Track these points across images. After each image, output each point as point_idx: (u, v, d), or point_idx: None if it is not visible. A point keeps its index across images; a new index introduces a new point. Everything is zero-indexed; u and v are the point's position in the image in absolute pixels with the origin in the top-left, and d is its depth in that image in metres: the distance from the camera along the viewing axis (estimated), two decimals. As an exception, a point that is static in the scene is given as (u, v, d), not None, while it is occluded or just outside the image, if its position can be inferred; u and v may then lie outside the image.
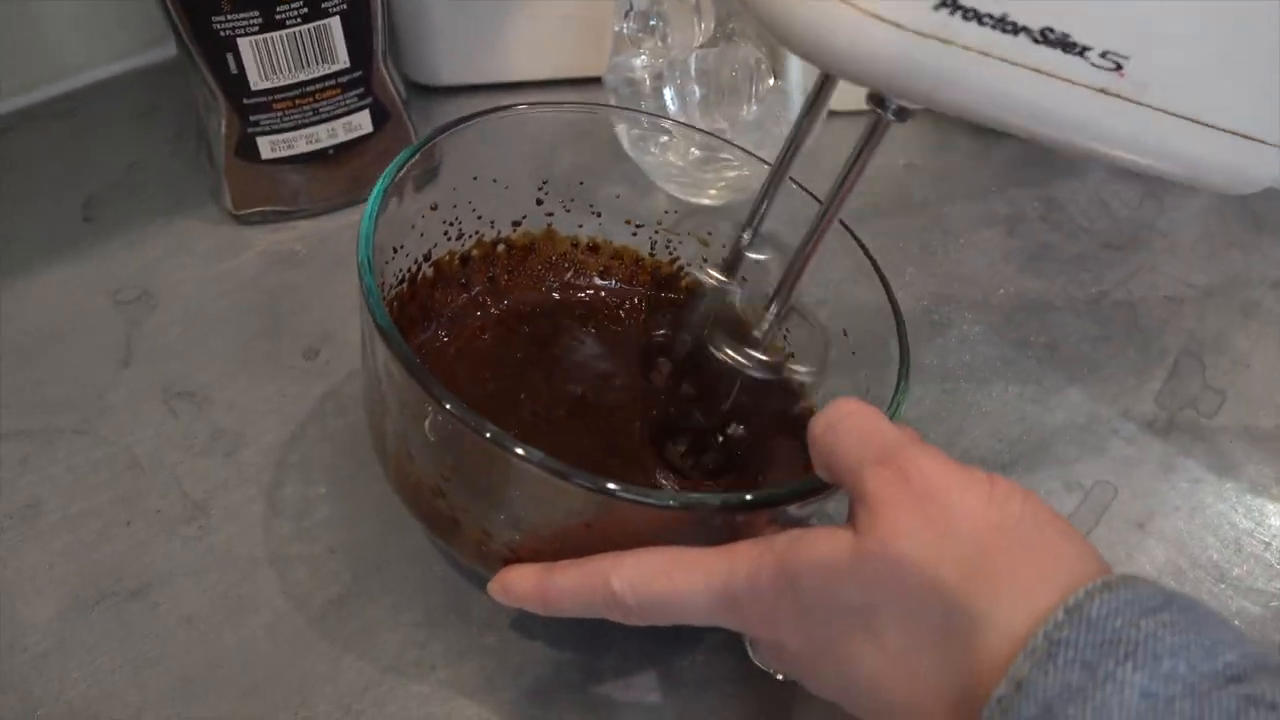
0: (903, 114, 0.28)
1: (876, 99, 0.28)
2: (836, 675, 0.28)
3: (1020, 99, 0.25)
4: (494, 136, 0.40)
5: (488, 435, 0.28)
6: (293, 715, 0.33)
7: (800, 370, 0.36)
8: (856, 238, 0.37)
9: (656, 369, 0.40)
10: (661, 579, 0.29)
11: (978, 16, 0.23)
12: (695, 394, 0.38)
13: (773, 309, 0.33)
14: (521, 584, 0.31)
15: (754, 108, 0.51)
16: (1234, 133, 0.26)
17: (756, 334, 0.34)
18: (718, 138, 0.44)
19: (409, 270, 0.40)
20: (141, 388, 0.44)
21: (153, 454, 0.41)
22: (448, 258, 0.42)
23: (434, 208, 0.40)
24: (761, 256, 0.39)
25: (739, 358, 0.34)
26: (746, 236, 0.36)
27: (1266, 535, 0.39)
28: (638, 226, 0.44)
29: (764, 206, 0.36)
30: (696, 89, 0.50)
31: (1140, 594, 0.23)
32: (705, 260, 0.38)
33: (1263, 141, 0.27)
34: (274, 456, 0.41)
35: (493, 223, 0.42)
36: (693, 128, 0.45)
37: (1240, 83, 0.25)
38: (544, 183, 0.43)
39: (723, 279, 0.37)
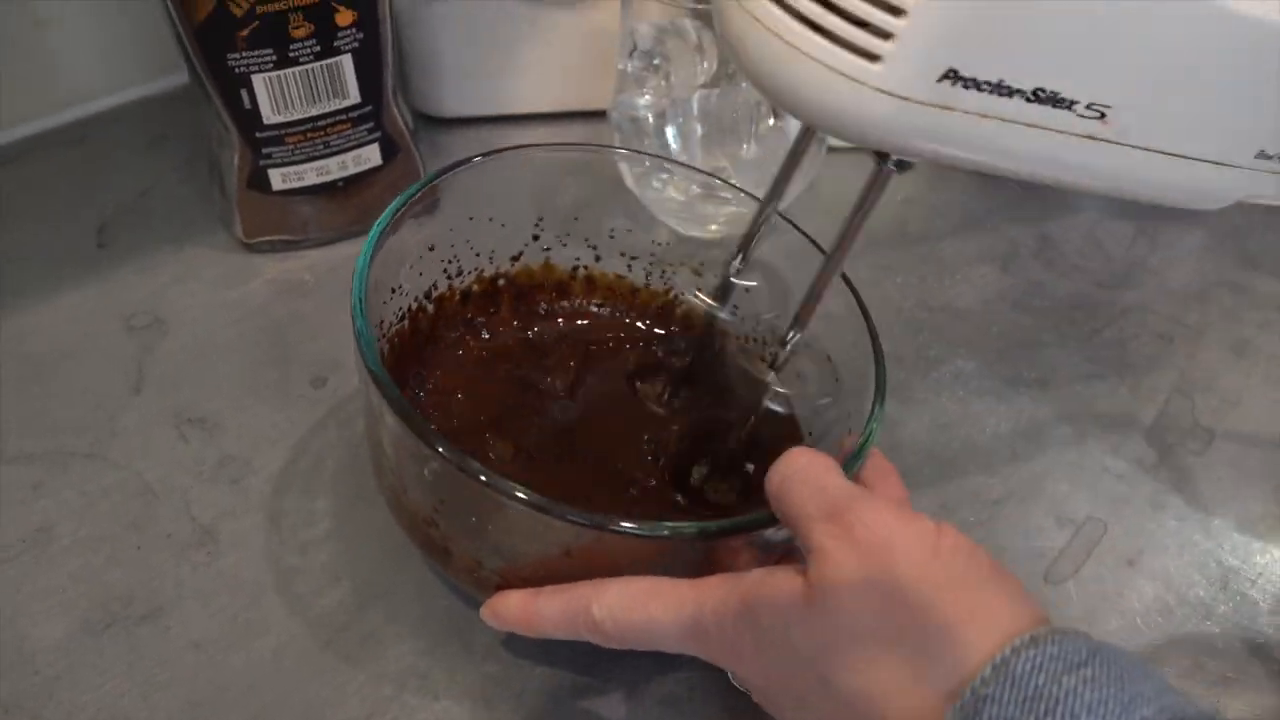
0: (903, 166, 0.30)
1: (878, 154, 0.29)
2: (793, 711, 0.30)
3: (1015, 151, 0.27)
4: (492, 177, 0.41)
5: (471, 472, 0.29)
6: (298, 741, 0.34)
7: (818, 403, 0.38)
8: (843, 274, 0.38)
9: (663, 405, 0.41)
10: (638, 609, 0.30)
11: (977, 84, 0.25)
12: (707, 430, 0.40)
13: (786, 347, 0.35)
14: (510, 610, 0.32)
15: (753, 146, 0.53)
16: (1202, 160, 0.29)
17: (767, 374, 0.36)
18: (717, 178, 0.45)
19: (409, 308, 0.41)
20: (152, 413, 0.44)
21: (163, 479, 0.42)
22: (448, 294, 0.43)
23: (431, 248, 0.41)
24: (751, 284, 0.41)
25: (765, 379, 0.35)
26: (736, 265, 0.38)
27: (1252, 573, 0.39)
28: (632, 259, 0.45)
29: (753, 238, 0.38)
30: (698, 127, 0.51)
31: (1065, 649, 0.24)
32: (699, 289, 0.40)
33: (1226, 164, 0.29)
34: (281, 483, 0.42)
35: (490, 257, 0.44)
36: (692, 168, 0.46)
37: (1205, 119, 0.28)
38: (540, 219, 0.44)
39: (712, 303, 0.40)
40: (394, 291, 0.39)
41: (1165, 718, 0.23)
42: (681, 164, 0.48)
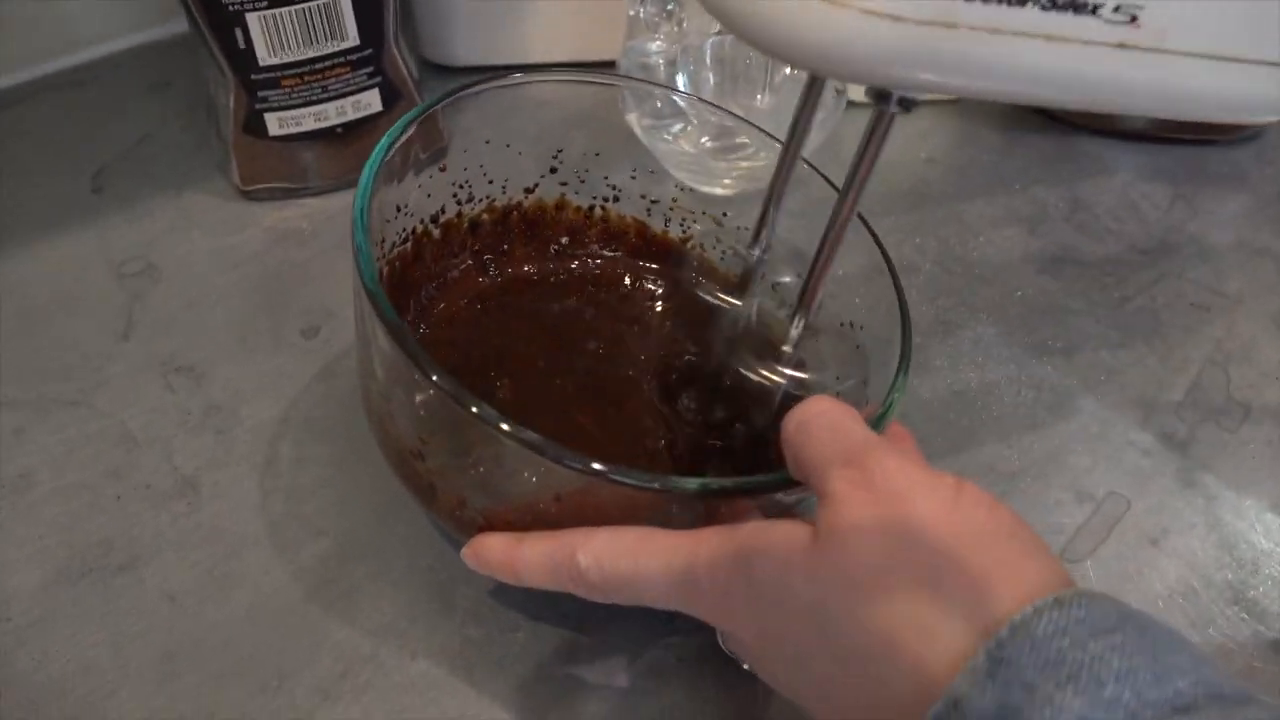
0: (907, 104, 0.26)
1: (878, 94, 0.27)
2: (787, 671, 0.28)
3: (1034, 70, 0.24)
4: (504, 105, 0.39)
5: (463, 402, 0.27)
6: (270, 697, 0.33)
7: (839, 386, 0.35)
8: (872, 231, 0.36)
9: (680, 393, 0.39)
10: (626, 558, 0.28)
11: None
12: (728, 416, 0.37)
13: (798, 321, 0.32)
14: (492, 552, 0.31)
15: (768, 97, 0.50)
16: (1256, 61, 0.25)
17: (786, 348, 0.33)
18: (735, 116, 0.42)
19: (413, 230, 0.39)
20: (140, 361, 0.43)
21: (147, 428, 0.41)
22: (456, 220, 0.41)
23: (443, 168, 0.39)
24: (784, 279, 0.38)
25: (772, 376, 0.33)
26: (758, 252, 0.35)
27: (1285, 555, 0.37)
28: (652, 203, 0.43)
29: (769, 218, 0.34)
30: (711, 76, 0.49)
31: (1093, 613, 0.22)
32: (716, 290, 0.37)
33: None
34: (267, 435, 0.41)
35: (504, 187, 0.42)
36: (709, 103, 0.44)
37: (1256, 10, 0.24)
38: (559, 151, 0.42)
39: (734, 301, 0.36)
40: (399, 210, 0.38)
41: (1201, 691, 0.21)
42: (697, 98, 0.46)
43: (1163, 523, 0.38)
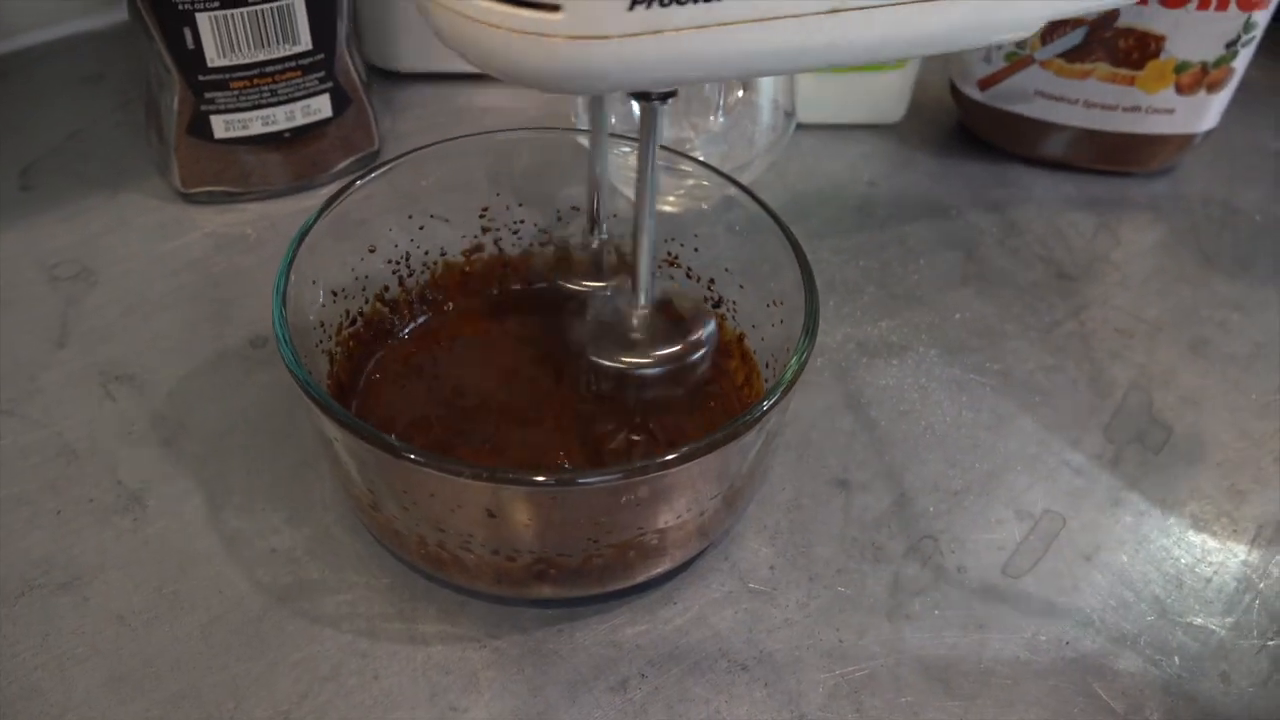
0: (666, 96, 0.29)
1: (635, 94, 0.29)
2: None
3: (754, 52, 0.25)
4: (434, 164, 0.40)
5: (359, 434, 0.29)
6: (226, 721, 0.32)
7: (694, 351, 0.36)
8: (773, 216, 0.38)
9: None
10: None
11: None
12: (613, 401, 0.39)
13: (641, 302, 0.34)
14: None
15: (720, 118, 0.51)
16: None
17: (636, 334, 0.35)
18: (674, 151, 0.43)
19: (359, 311, 0.40)
20: (77, 369, 0.42)
21: (87, 439, 0.39)
22: (401, 295, 0.42)
23: (372, 250, 0.40)
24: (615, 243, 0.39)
25: (631, 361, 0.35)
26: (595, 236, 0.38)
27: (1207, 571, 0.39)
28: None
29: (599, 204, 0.37)
30: (666, 94, 0.50)
31: None
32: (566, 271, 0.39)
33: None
34: (216, 447, 0.40)
35: (443, 250, 0.43)
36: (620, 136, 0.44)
37: None
38: (484, 210, 0.43)
39: (591, 284, 0.39)
40: (336, 296, 0.39)
41: None
42: (634, 139, 0.46)
43: (1096, 539, 0.40)
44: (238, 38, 0.44)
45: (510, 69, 0.24)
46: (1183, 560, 0.40)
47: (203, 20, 0.43)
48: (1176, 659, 0.36)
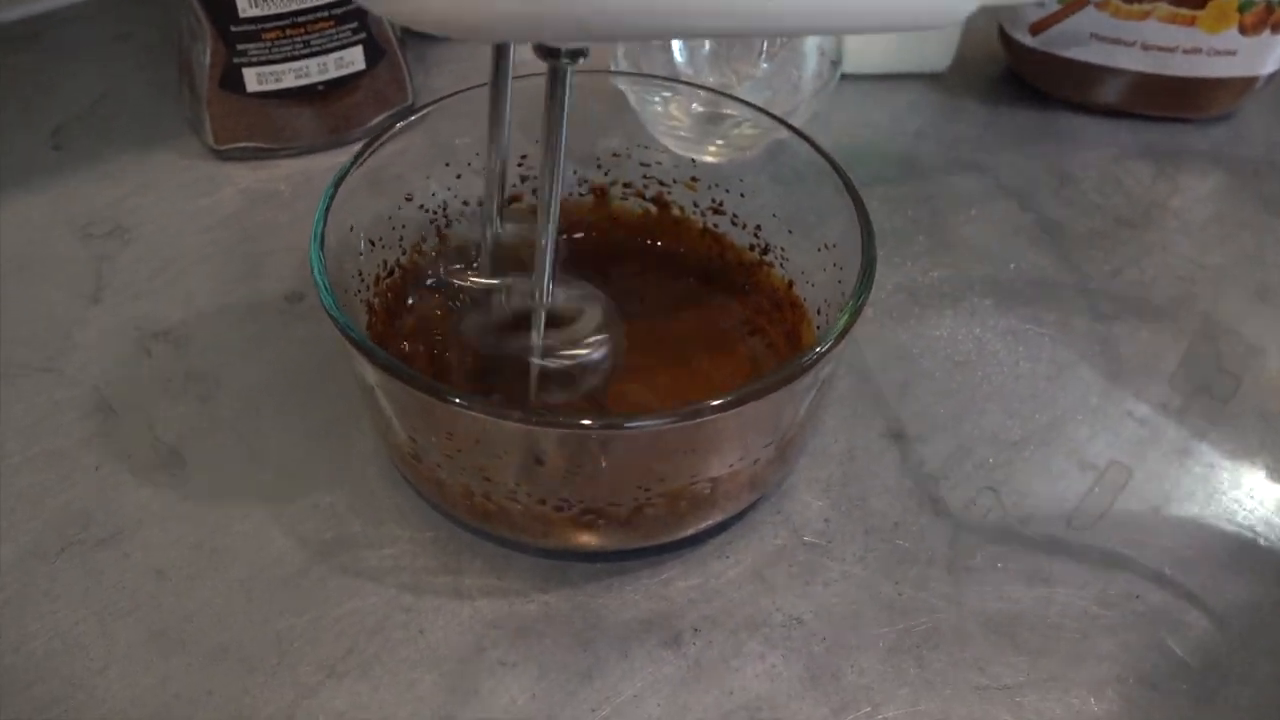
0: (576, 55, 0.27)
1: (543, 50, 0.26)
2: None
3: (681, 10, 0.23)
4: (469, 111, 0.38)
5: (403, 378, 0.28)
6: (271, 675, 0.31)
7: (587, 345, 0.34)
8: (824, 154, 0.36)
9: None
10: None
11: None
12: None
13: (543, 288, 0.32)
14: None
15: (764, 65, 0.50)
16: None
17: (535, 334, 0.33)
18: (720, 93, 0.42)
19: (396, 262, 0.39)
20: (112, 326, 0.41)
21: (123, 396, 0.39)
22: (439, 246, 0.41)
23: (409, 198, 0.39)
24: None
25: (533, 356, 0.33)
26: (495, 229, 0.35)
27: (1282, 523, 0.38)
28: (625, 186, 0.43)
29: (496, 190, 0.34)
30: (706, 41, 0.48)
31: None
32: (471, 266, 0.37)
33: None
34: (253, 402, 0.39)
35: (480, 200, 0.41)
36: (695, 85, 0.43)
37: None
38: (522, 159, 0.41)
39: (489, 281, 0.36)
40: (374, 245, 0.38)
41: None
42: (683, 81, 0.45)
43: (1164, 491, 0.38)
44: (269, -14, 0.43)
45: (415, 13, 0.23)
46: (1256, 512, 0.38)
47: (234, -32, 0.42)
48: (1253, 614, 0.35)
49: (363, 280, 0.37)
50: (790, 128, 0.38)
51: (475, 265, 0.37)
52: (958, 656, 0.33)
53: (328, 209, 0.33)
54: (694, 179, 0.42)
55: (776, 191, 0.40)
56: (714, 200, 0.42)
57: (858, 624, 0.34)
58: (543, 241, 0.30)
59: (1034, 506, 0.38)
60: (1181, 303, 0.46)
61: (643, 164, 0.42)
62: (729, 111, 0.43)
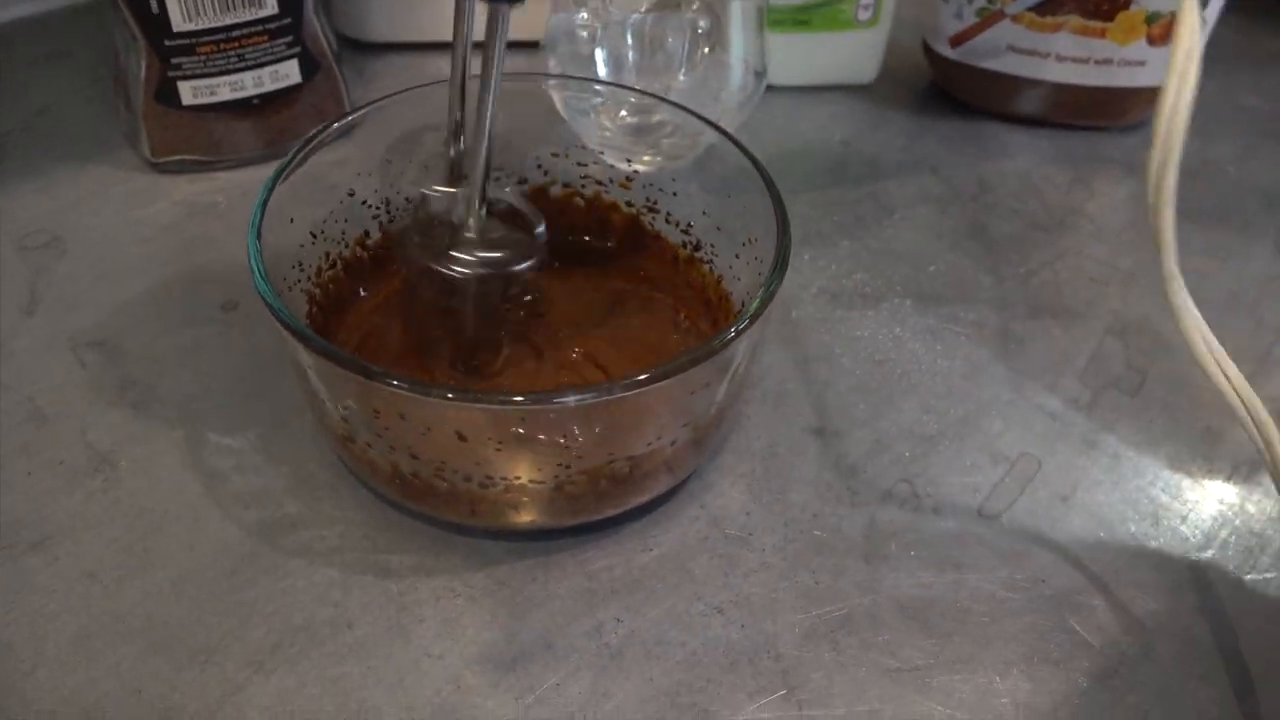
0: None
1: None
2: None
3: None
4: (407, 111, 0.40)
5: (332, 358, 0.30)
6: (199, 671, 0.32)
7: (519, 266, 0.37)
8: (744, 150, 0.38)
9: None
10: None
11: None
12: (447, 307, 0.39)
13: (476, 203, 0.35)
14: None
15: (683, 77, 0.51)
16: None
17: (469, 233, 0.36)
18: (653, 96, 0.43)
19: (339, 255, 0.40)
20: (47, 336, 0.41)
21: (57, 404, 0.39)
22: (382, 240, 0.42)
23: (351, 194, 0.40)
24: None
25: (464, 260, 0.36)
26: (455, 148, 0.38)
27: (1183, 509, 0.39)
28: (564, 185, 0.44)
29: (459, 115, 0.37)
30: (631, 53, 0.49)
31: None
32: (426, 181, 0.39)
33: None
34: (187, 409, 0.39)
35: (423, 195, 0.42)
36: (625, 87, 0.44)
37: None
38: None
39: (449, 189, 0.38)
40: (315, 237, 0.39)
41: None
42: (612, 84, 0.46)
43: (1072, 480, 0.40)
44: (203, 1, 0.44)
45: None
46: (1159, 499, 0.40)
47: (166, -17, 0.43)
48: (1152, 594, 0.36)
49: (303, 270, 0.38)
50: (718, 129, 0.40)
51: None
52: (871, 640, 0.34)
53: (268, 197, 0.35)
54: (629, 179, 0.43)
55: (705, 187, 0.42)
56: (648, 199, 0.43)
57: (775, 611, 0.35)
58: (477, 146, 0.34)
59: (947, 497, 0.39)
60: (1093, 303, 0.48)
61: (580, 164, 0.44)
62: (658, 118, 0.44)
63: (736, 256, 0.39)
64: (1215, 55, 0.55)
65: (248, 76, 0.47)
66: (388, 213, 0.41)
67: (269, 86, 0.48)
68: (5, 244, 0.45)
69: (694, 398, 0.33)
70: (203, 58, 0.45)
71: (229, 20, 0.45)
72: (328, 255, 0.39)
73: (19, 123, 0.50)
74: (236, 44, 0.46)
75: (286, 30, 0.47)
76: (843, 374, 0.43)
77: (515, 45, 0.57)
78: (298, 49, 0.48)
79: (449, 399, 0.29)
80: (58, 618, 0.33)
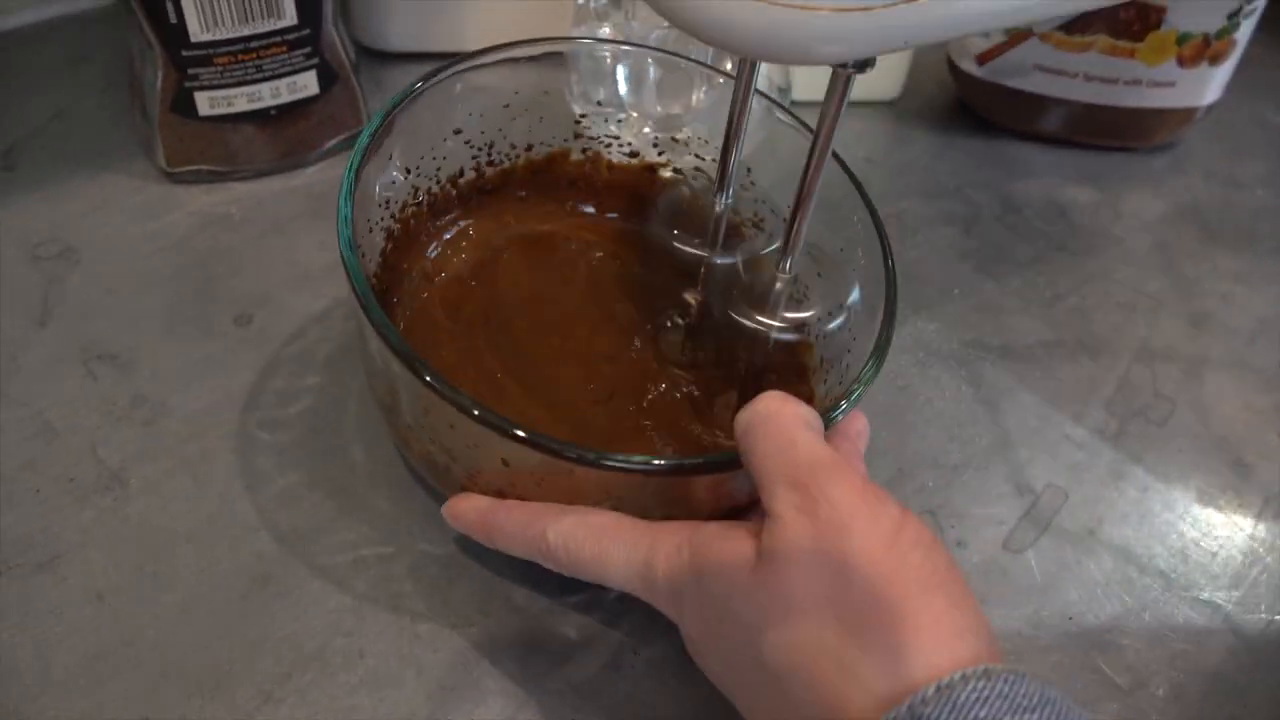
0: (863, 66, 0.29)
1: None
2: (726, 672, 0.29)
3: (991, 9, 0.27)
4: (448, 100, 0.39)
5: (412, 365, 0.29)
6: (208, 700, 0.31)
7: (820, 319, 0.37)
8: (871, 207, 0.38)
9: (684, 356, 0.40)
10: (591, 543, 0.29)
11: None
12: (714, 358, 0.39)
13: (786, 263, 0.34)
14: (466, 514, 0.32)
15: (702, 96, 0.50)
16: None
17: (775, 292, 0.35)
18: (681, 55, 0.43)
19: (427, 190, 0.40)
20: (58, 349, 0.41)
21: (67, 419, 0.39)
22: (475, 180, 0.42)
23: (457, 131, 0.40)
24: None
25: (768, 321, 0.35)
26: (724, 200, 0.38)
27: (1213, 545, 0.38)
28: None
29: (731, 166, 0.37)
30: (652, 70, 0.49)
31: (1016, 689, 0.23)
32: (684, 231, 0.39)
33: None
34: (199, 426, 0.39)
35: (529, 146, 0.43)
36: (649, 48, 0.44)
37: None
38: (581, 118, 0.43)
39: (703, 253, 0.39)
40: (382, 206, 0.38)
41: None
42: (636, 44, 0.46)
43: (1098, 514, 0.39)
44: (221, 11, 0.43)
45: (760, 41, 0.25)
46: (1188, 534, 0.39)
47: (185, -7, 0.42)
48: (1182, 634, 0.36)
49: (389, 208, 0.38)
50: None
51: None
52: (893, 678, 0.33)
53: (374, 134, 0.35)
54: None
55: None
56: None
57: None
58: (800, 217, 0.33)
59: (972, 529, 0.38)
60: (1120, 329, 0.47)
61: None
62: (684, 135, 0.43)
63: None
64: (1247, 74, 0.54)
65: (265, 87, 0.46)
66: (489, 154, 0.42)
67: (286, 98, 0.47)
68: (19, 253, 0.44)
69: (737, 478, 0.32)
70: (220, 68, 0.45)
71: (247, 31, 0.44)
72: (416, 190, 0.39)
73: (34, 127, 0.50)
74: (255, 55, 0.45)
75: (305, 41, 0.46)
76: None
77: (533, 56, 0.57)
78: (316, 60, 0.47)
79: (491, 427, 0.28)
80: (65, 640, 0.33)
